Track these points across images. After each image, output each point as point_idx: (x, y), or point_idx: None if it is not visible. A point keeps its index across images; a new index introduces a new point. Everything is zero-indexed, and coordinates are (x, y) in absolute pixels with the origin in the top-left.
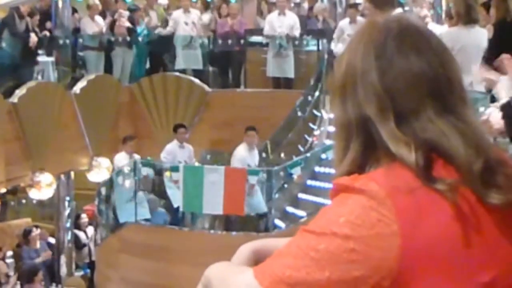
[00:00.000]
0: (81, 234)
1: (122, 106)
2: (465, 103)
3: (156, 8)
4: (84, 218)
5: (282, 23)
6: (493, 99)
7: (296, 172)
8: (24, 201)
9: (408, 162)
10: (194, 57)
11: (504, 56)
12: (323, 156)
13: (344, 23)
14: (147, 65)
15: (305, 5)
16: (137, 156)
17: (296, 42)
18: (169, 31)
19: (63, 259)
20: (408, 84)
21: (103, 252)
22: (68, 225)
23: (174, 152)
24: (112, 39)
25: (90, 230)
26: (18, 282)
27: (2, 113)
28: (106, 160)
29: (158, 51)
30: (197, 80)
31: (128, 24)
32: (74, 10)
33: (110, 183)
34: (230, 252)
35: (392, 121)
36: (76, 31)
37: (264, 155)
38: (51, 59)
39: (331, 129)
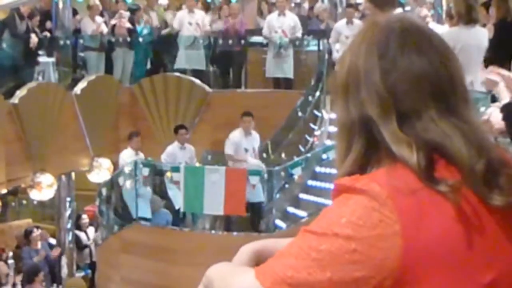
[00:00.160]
0: (82, 235)
1: (123, 107)
2: (467, 104)
3: (157, 8)
4: (85, 218)
5: (282, 23)
6: (494, 99)
7: (297, 172)
8: (24, 202)
9: (410, 163)
10: (197, 57)
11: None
12: (324, 156)
13: (340, 24)
14: (148, 66)
15: (306, 5)
16: (142, 154)
17: (297, 43)
18: (175, 30)
19: (64, 259)
20: (411, 84)
21: (104, 252)
22: (69, 225)
23: (175, 153)
24: (113, 39)
25: (91, 230)
26: (19, 283)
27: (2, 113)
28: (106, 160)
29: (159, 52)
30: (197, 81)
31: (128, 24)
32: (75, 11)
33: (111, 184)
34: (231, 252)
35: (394, 122)
36: (77, 31)
37: (265, 155)
38: (51, 59)
39: (332, 129)
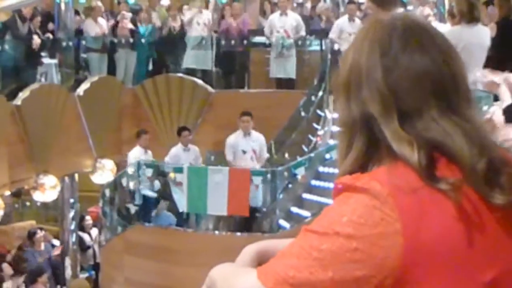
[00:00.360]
0: (85, 236)
1: (126, 108)
2: (469, 102)
3: (158, 9)
4: (88, 220)
5: (284, 23)
6: (497, 98)
7: (300, 172)
8: (28, 203)
9: (411, 162)
10: (204, 57)
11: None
12: (327, 156)
13: (342, 21)
14: (150, 67)
15: (308, 5)
16: (149, 152)
17: (299, 42)
18: (187, 21)
19: (67, 261)
20: (413, 82)
21: (107, 253)
22: (72, 227)
23: (178, 155)
24: (115, 40)
25: (95, 232)
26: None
27: (5, 115)
28: (110, 161)
29: (161, 52)
30: (200, 81)
31: (130, 25)
32: (77, 12)
33: (114, 185)
34: (235, 253)
35: (395, 120)
36: (79, 33)
37: (268, 155)
38: (54, 61)
39: (335, 129)
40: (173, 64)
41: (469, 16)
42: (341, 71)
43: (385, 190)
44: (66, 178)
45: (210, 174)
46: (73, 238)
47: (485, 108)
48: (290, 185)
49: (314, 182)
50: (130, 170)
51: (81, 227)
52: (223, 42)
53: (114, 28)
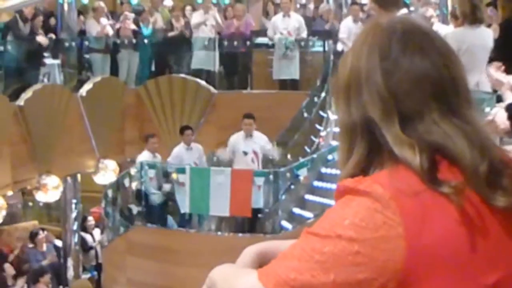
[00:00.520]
0: (87, 237)
1: (128, 108)
2: (470, 105)
3: (161, 10)
4: (91, 220)
5: (287, 24)
6: (499, 99)
7: (303, 173)
8: (30, 203)
9: (412, 165)
10: (213, 58)
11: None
12: (330, 157)
13: (348, 22)
14: (153, 67)
15: (311, 6)
16: (159, 156)
17: (302, 43)
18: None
19: (70, 261)
20: (413, 85)
21: (110, 254)
22: (75, 227)
23: (181, 155)
24: (118, 41)
25: (97, 232)
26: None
27: (8, 115)
28: (112, 162)
29: (164, 53)
30: (203, 82)
31: (133, 26)
32: (80, 13)
33: (116, 185)
34: (237, 254)
35: (396, 124)
36: (82, 33)
37: (270, 156)
38: (57, 61)
39: (337, 130)
40: (176, 65)
41: (472, 17)
42: (341, 75)
43: (387, 194)
44: (69, 179)
45: (212, 175)
46: (76, 239)
47: (487, 109)
48: (292, 186)
49: (316, 183)
50: (133, 170)
51: (84, 227)
52: (225, 43)
53: (116, 29)
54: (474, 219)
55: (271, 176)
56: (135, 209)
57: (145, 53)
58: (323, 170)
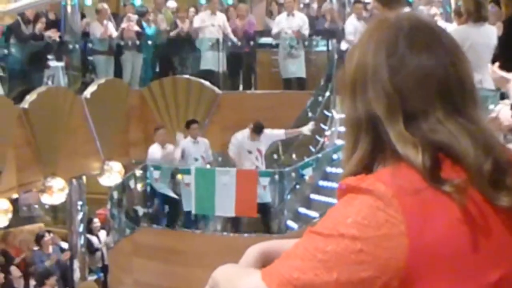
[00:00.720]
0: (93, 239)
1: (133, 110)
2: (475, 104)
3: (164, 11)
4: (97, 222)
5: (291, 24)
6: (503, 96)
7: (308, 173)
8: (36, 206)
9: (415, 163)
10: (221, 59)
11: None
12: (335, 156)
13: (353, 21)
14: (157, 69)
15: (314, 5)
16: (170, 146)
17: (306, 43)
18: (196, 28)
19: (76, 263)
20: (418, 83)
21: (116, 255)
22: (80, 229)
23: (188, 149)
24: (121, 43)
25: (103, 234)
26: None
27: (13, 118)
28: (117, 164)
29: (168, 54)
30: (207, 83)
31: (137, 27)
32: (83, 15)
33: (122, 187)
34: (243, 254)
35: (400, 121)
36: (85, 35)
37: (275, 156)
38: (61, 64)
39: (342, 129)
40: (180, 65)
41: (476, 15)
42: (347, 70)
43: (389, 192)
44: (74, 181)
45: (217, 176)
46: (82, 241)
47: (491, 106)
48: (297, 186)
49: (321, 183)
50: (138, 172)
51: (89, 229)
52: (229, 43)
53: (119, 31)
54: (476, 218)
55: (276, 176)
56: (140, 210)
57: (149, 55)
58: (328, 169)
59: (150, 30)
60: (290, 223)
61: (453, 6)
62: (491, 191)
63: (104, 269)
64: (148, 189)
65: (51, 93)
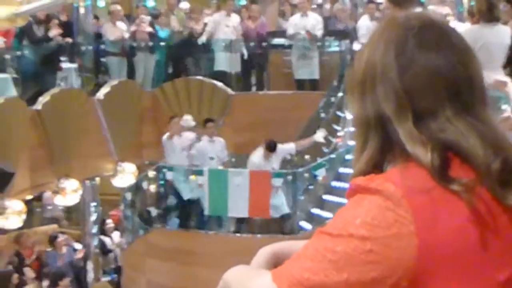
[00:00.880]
0: (107, 240)
1: (146, 111)
2: (484, 103)
3: (177, 12)
4: (110, 223)
5: (305, 24)
6: None
7: (321, 173)
8: (50, 207)
9: (424, 162)
10: (234, 60)
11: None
12: (348, 157)
13: (366, 21)
14: (170, 70)
15: (327, 6)
16: (186, 134)
17: (319, 43)
18: (209, 32)
19: (89, 264)
20: (427, 82)
21: (129, 256)
22: (94, 230)
23: (204, 148)
24: (134, 44)
25: (116, 235)
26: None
27: (26, 120)
28: (130, 165)
29: (180, 55)
30: (220, 84)
31: (149, 29)
32: (96, 17)
33: (135, 188)
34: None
35: (410, 120)
36: (98, 37)
37: (288, 157)
38: (74, 65)
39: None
40: (193, 66)
41: (489, 15)
42: (356, 70)
43: (399, 192)
44: (87, 182)
45: (230, 177)
46: (95, 242)
47: (504, 107)
48: (310, 187)
49: (334, 183)
50: (151, 173)
51: (103, 230)
52: (242, 44)
53: (132, 32)
54: (484, 216)
55: (289, 177)
56: (154, 211)
57: (162, 56)
58: (341, 170)
59: (163, 32)
60: (303, 224)
61: (465, 5)
62: (500, 190)
63: (118, 270)
64: (161, 190)
65: (64, 95)
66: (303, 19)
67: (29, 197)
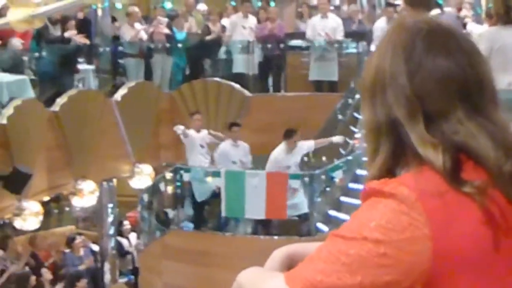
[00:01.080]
0: (124, 241)
1: (163, 113)
2: (495, 105)
3: (195, 14)
4: (127, 225)
5: (325, 26)
6: None
7: (338, 175)
8: (67, 208)
9: (436, 165)
10: (251, 61)
11: None
12: (365, 158)
13: (382, 24)
14: (187, 71)
15: (345, 8)
16: (204, 132)
17: (336, 45)
18: (227, 35)
19: (107, 266)
20: (437, 85)
21: (146, 258)
22: (111, 232)
23: (227, 151)
24: (152, 45)
25: (133, 236)
26: None
27: (43, 121)
28: (148, 166)
29: (198, 57)
30: (237, 85)
31: (166, 30)
32: (114, 18)
33: (152, 190)
34: None
35: (421, 124)
36: (116, 38)
37: (305, 158)
38: (91, 67)
39: None
40: (211, 68)
41: (506, 17)
42: (366, 75)
43: (413, 195)
44: (105, 183)
45: (247, 178)
46: (112, 243)
47: None
48: (328, 188)
49: (352, 185)
50: (168, 174)
51: (120, 232)
52: (259, 46)
53: (150, 33)
54: (497, 218)
55: (306, 179)
56: (171, 213)
57: (179, 57)
58: (359, 172)
59: (180, 35)
60: (320, 225)
61: (483, 7)
62: None
63: (135, 271)
64: (178, 191)
65: (81, 96)
66: (323, 21)
67: (47, 198)
